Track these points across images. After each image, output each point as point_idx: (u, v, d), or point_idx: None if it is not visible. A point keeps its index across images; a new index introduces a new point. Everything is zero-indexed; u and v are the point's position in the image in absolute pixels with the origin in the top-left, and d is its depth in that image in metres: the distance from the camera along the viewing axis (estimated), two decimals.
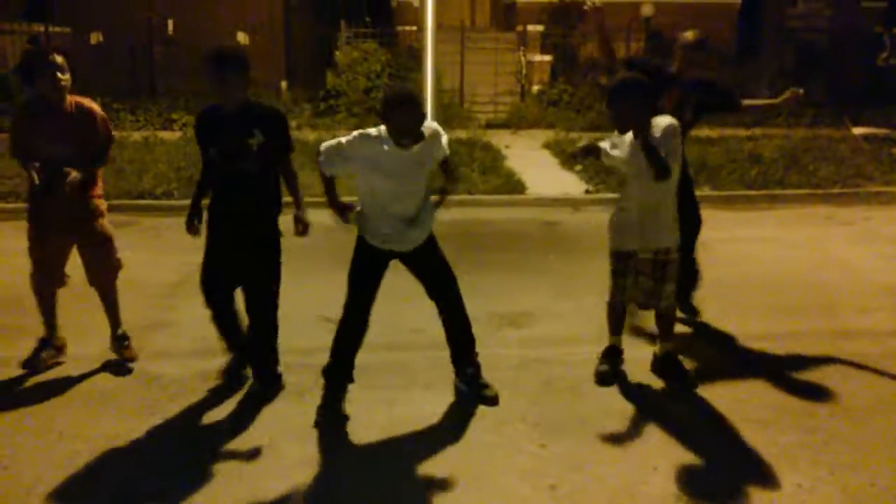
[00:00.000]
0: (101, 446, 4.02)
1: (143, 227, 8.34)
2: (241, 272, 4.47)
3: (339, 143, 4.23)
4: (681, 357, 4.88)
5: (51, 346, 4.98)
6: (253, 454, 3.96)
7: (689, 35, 5.51)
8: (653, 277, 4.62)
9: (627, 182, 4.66)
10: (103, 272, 4.92)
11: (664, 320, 4.79)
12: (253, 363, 4.63)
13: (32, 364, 4.88)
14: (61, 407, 4.45)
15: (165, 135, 13.20)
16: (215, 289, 4.52)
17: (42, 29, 16.50)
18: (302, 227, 4.48)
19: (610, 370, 4.81)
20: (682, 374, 4.80)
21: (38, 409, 4.42)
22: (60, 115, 4.62)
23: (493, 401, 4.46)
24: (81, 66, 16.32)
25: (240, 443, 4.07)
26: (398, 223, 4.23)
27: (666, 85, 5.13)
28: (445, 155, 4.39)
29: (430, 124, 4.21)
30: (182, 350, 5.14)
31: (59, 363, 4.98)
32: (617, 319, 4.88)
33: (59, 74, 4.54)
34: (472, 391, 4.52)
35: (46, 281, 4.87)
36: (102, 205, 4.90)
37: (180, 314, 5.71)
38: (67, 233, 4.79)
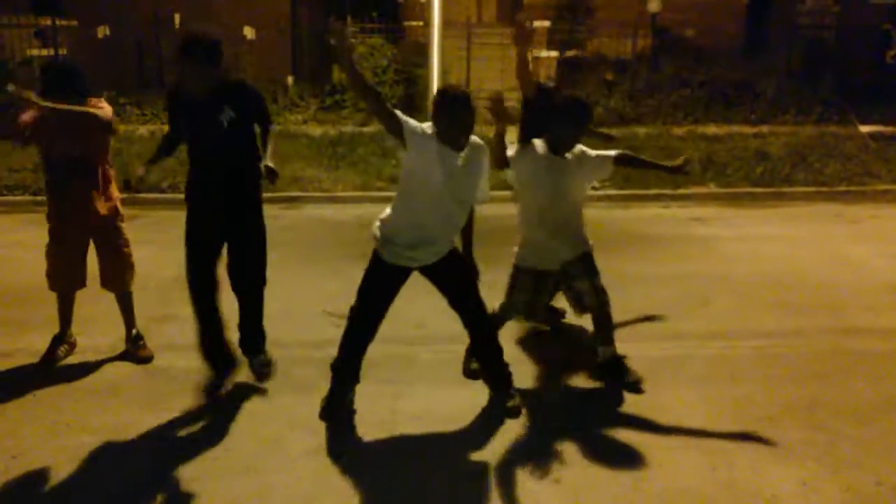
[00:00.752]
0: (109, 437, 4.04)
1: (149, 220, 8.35)
2: (230, 251, 4.49)
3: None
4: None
5: (65, 342, 5.01)
6: (259, 447, 3.97)
7: (567, 53, 5.58)
8: (584, 275, 4.56)
9: (530, 205, 4.56)
10: (118, 275, 4.95)
11: (603, 320, 4.65)
12: (253, 343, 4.64)
13: (50, 361, 4.90)
14: (69, 398, 4.47)
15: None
16: (203, 281, 4.48)
17: (49, 22, 16.52)
18: (270, 176, 4.27)
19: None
20: (625, 376, 4.68)
21: (46, 400, 4.44)
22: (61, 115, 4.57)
23: (514, 412, 4.32)
24: (88, 59, 16.38)
25: (246, 435, 4.08)
26: (418, 237, 4.05)
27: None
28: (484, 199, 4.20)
29: (475, 139, 4.08)
30: (188, 343, 5.13)
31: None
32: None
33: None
34: (497, 400, 4.44)
35: (65, 280, 4.89)
36: (120, 207, 4.94)
37: (186, 308, 5.67)
38: (84, 231, 4.82)
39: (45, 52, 16.62)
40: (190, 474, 3.72)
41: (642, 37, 18.12)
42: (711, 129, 13.90)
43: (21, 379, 4.71)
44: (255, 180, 4.46)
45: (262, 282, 4.62)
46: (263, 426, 4.17)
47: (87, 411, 4.31)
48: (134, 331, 5.06)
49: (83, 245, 4.87)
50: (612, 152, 4.64)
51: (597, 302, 4.57)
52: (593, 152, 4.60)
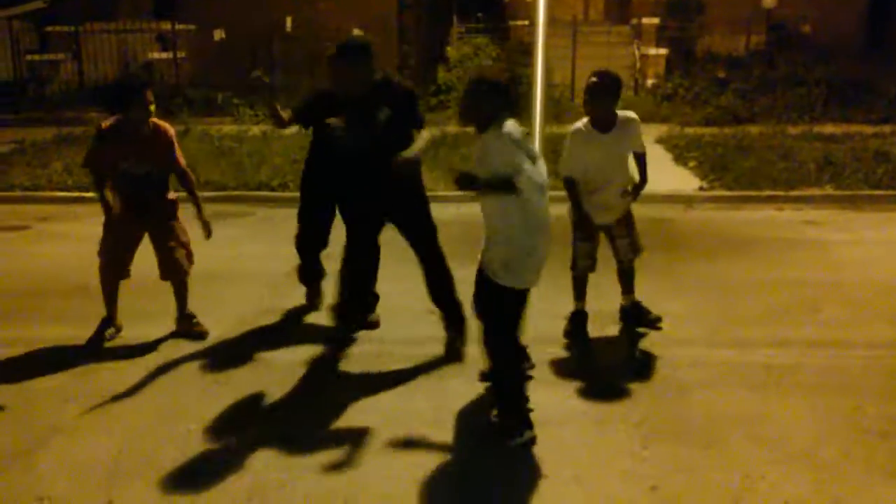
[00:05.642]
0: (213, 426, 4.20)
1: (260, 217, 8.63)
2: (398, 225, 5.15)
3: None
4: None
5: (112, 325, 5.32)
6: (354, 442, 4.04)
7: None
8: (626, 234, 5.20)
9: (592, 172, 5.04)
10: (174, 270, 5.23)
11: (628, 274, 5.33)
12: (448, 309, 5.10)
13: (96, 343, 5.21)
14: (177, 388, 4.67)
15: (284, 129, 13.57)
16: (371, 252, 5.13)
17: (169, 27, 17.28)
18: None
19: (572, 329, 5.28)
20: (649, 319, 5.35)
21: (155, 391, 4.65)
22: (140, 137, 4.97)
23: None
24: (205, 62, 17.07)
25: (343, 429, 4.17)
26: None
27: None
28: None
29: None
30: (292, 337, 5.30)
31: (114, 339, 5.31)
32: (581, 285, 5.27)
33: (150, 107, 4.92)
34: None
35: (111, 270, 5.19)
36: (176, 208, 5.26)
37: (293, 302, 5.88)
38: (140, 226, 5.14)
39: (165, 55, 17.42)
40: (286, 465, 3.83)
41: (756, 33, 17.56)
42: (829, 129, 13.33)
43: (128, 368, 4.93)
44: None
45: (434, 233, 5.17)
46: (360, 421, 4.25)
47: (194, 401, 4.49)
48: (186, 310, 5.34)
49: (133, 238, 5.17)
50: (643, 149, 5.19)
51: (627, 258, 5.24)
52: (640, 132, 5.18)
